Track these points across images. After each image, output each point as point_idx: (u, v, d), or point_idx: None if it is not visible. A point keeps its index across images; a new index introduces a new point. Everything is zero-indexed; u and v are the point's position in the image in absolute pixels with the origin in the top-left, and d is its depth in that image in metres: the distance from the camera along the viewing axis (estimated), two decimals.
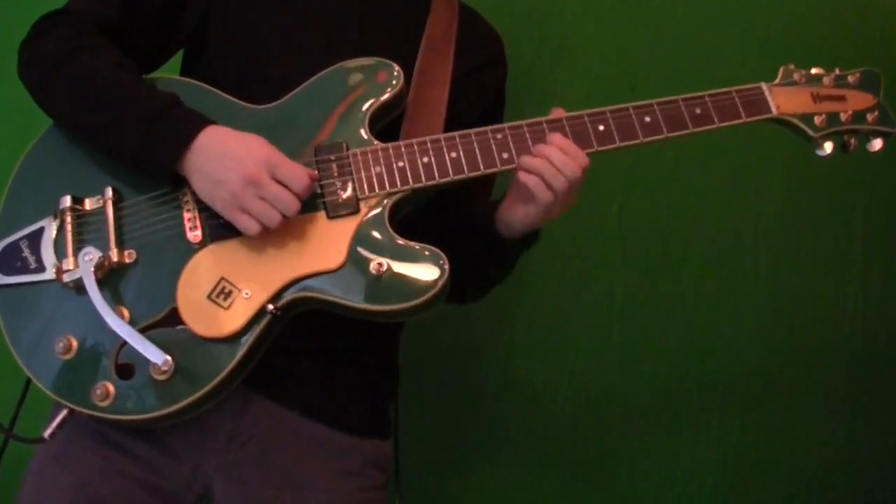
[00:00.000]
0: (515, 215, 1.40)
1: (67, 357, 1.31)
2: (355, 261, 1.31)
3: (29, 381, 1.37)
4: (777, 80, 1.46)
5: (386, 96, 1.40)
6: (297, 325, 1.34)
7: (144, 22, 1.46)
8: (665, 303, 2.10)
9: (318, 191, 1.35)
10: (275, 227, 1.29)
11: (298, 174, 1.29)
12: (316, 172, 1.33)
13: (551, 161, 1.33)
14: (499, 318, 2.10)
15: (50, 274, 1.34)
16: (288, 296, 1.30)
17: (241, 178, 1.27)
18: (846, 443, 2.11)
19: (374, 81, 1.41)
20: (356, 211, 1.34)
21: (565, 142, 1.35)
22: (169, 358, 1.25)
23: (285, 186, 1.29)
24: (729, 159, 2.07)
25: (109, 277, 1.32)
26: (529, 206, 1.37)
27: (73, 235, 1.34)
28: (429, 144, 1.37)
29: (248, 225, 1.29)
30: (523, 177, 1.35)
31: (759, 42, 2.04)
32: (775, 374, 2.11)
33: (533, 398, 2.11)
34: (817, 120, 1.44)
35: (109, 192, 1.36)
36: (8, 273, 1.36)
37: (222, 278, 1.30)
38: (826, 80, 1.47)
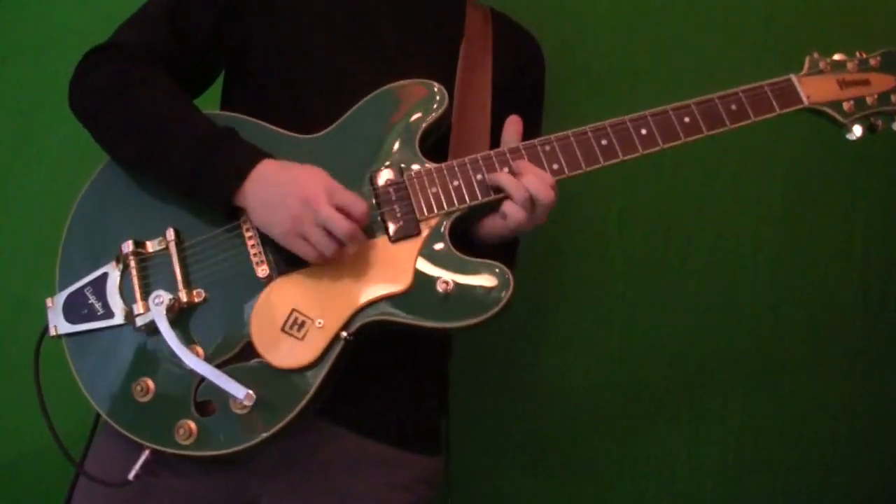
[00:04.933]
0: (487, 226, 1.44)
1: (145, 399, 1.33)
2: (422, 281, 1.34)
3: (97, 420, 1.40)
4: (804, 71, 1.50)
5: (433, 116, 1.42)
6: None
7: (191, 46, 1.49)
8: (665, 303, 2.11)
9: (380, 215, 1.38)
10: (331, 254, 1.31)
11: (356, 201, 1.31)
12: (367, 204, 1.33)
13: (527, 186, 1.36)
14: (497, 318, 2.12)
15: (120, 319, 1.36)
16: (360, 321, 1.33)
17: (299, 199, 1.29)
18: (846, 443, 2.13)
19: (420, 103, 1.43)
20: (417, 233, 1.37)
21: (537, 169, 1.38)
22: (251, 392, 1.27)
23: (343, 213, 1.30)
24: (729, 160, 2.09)
25: (180, 317, 1.35)
26: (498, 220, 1.40)
27: (140, 279, 1.36)
28: (481, 162, 1.40)
29: (305, 251, 1.31)
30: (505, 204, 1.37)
31: (760, 41, 2.06)
32: (775, 373, 2.12)
33: (533, 398, 2.13)
34: (846, 106, 1.49)
35: (171, 234, 1.38)
36: (75, 321, 1.38)
37: (294, 310, 1.33)
38: (850, 65, 1.52)
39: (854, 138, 1.51)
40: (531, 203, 1.36)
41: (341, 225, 1.29)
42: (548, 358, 2.13)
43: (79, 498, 1.45)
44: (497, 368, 2.13)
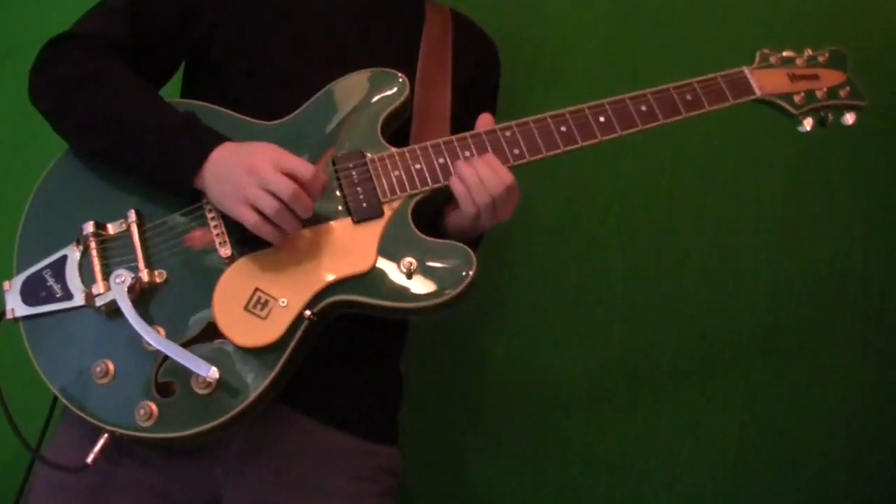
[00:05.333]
0: (451, 219, 1.47)
1: (105, 381, 1.31)
2: (384, 262, 1.35)
3: (54, 404, 1.39)
4: (755, 64, 1.56)
5: (396, 104, 1.45)
6: None
7: (153, 39, 1.49)
8: (665, 303, 2.12)
9: (342, 198, 1.39)
10: (280, 221, 1.29)
11: (303, 164, 1.30)
12: (313, 168, 1.32)
13: (478, 174, 1.39)
14: (499, 318, 2.13)
15: (79, 300, 1.34)
16: (323, 301, 1.33)
17: (245, 169, 1.29)
18: (846, 442, 2.12)
19: (382, 90, 1.46)
20: (380, 214, 1.38)
21: (493, 159, 1.41)
22: (215, 369, 1.26)
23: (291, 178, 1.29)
24: (728, 159, 2.10)
25: (141, 299, 1.33)
26: (459, 211, 1.43)
27: (100, 260, 1.35)
28: (443, 146, 1.42)
29: (254, 221, 1.29)
30: (454, 183, 1.40)
31: (759, 43, 1.97)
32: (775, 373, 2.13)
33: (532, 398, 2.13)
34: (797, 98, 1.54)
35: (133, 215, 1.37)
36: (33, 304, 1.36)
37: (257, 289, 1.33)
38: (799, 61, 1.58)
39: (805, 131, 1.56)
40: (481, 187, 1.38)
41: (285, 185, 1.27)
42: (547, 357, 2.12)
43: (39, 491, 1.43)
44: (496, 367, 2.13)
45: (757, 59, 1.56)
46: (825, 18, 2.12)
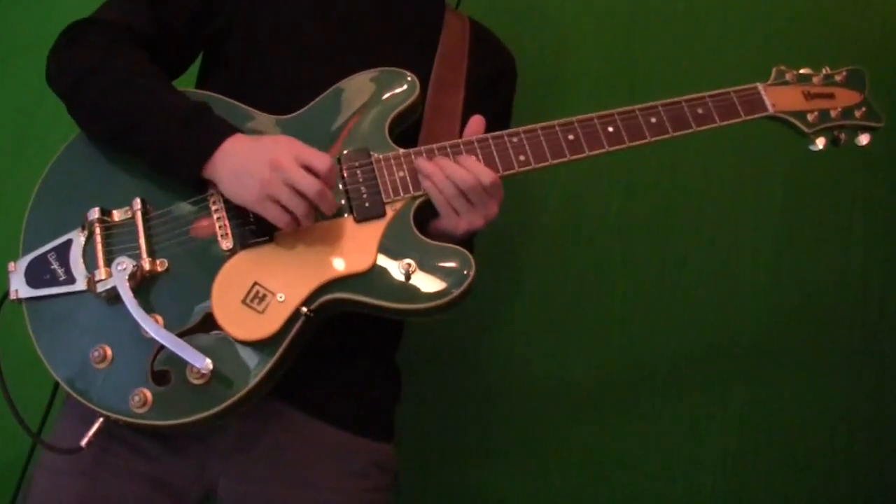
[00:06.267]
0: (436, 221, 1.45)
1: (102, 366, 1.33)
2: (384, 262, 1.36)
3: (56, 387, 1.40)
4: (770, 80, 1.54)
5: (405, 104, 1.45)
6: None
7: (172, 30, 1.50)
8: (665, 303, 2.13)
9: (345, 196, 1.39)
10: (303, 216, 1.31)
11: (319, 156, 1.32)
12: (330, 158, 1.33)
13: (443, 169, 1.38)
14: (499, 318, 2.13)
15: (81, 285, 1.36)
16: (321, 298, 1.34)
17: (267, 164, 1.30)
18: (846, 443, 2.11)
19: (392, 90, 1.46)
20: (382, 214, 1.39)
21: (467, 159, 1.40)
22: (209, 361, 1.28)
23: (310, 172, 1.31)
24: (728, 159, 2.10)
25: (142, 286, 1.35)
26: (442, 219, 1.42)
27: (103, 246, 1.36)
28: (448, 149, 1.42)
29: (277, 215, 1.31)
30: (422, 179, 1.40)
31: (760, 42, 2.08)
32: (775, 373, 2.13)
33: (532, 398, 2.14)
34: (810, 117, 1.52)
35: (138, 203, 1.38)
36: (36, 286, 1.38)
37: (255, 283, 1.34)
38: (815, 79, 1.56)
39: (816, 150, 1.54)
40: (449, 184, 1.37)
41: (308, 183, 1.30)
42: (546, 357, 2.13)
43: (39, 474, 1.46)
44: (496, 367, 2.14)
45: (773, 75, 1.54)
46: (825, 18, 2.11)
